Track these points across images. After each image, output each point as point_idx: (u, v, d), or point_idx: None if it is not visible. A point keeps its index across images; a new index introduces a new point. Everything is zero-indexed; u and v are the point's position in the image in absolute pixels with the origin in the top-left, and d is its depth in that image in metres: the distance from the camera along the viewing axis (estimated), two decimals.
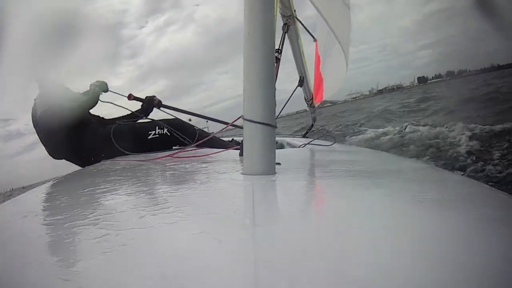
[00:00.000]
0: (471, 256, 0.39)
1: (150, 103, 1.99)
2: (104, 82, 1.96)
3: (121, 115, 2.06)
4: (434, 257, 0.38)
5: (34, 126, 1.89)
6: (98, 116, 2.05)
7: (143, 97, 2.01)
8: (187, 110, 2.18)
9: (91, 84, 1.91)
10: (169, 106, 2.09)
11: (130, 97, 1.94)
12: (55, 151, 1.90)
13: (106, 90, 1.96)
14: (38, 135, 1.89)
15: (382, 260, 0.37)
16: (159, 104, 2.01)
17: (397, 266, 0.36)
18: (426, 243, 0.42)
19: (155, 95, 2.03)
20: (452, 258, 0.38)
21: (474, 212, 0.60)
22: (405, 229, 0.48)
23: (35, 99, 1.88)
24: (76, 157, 1.83)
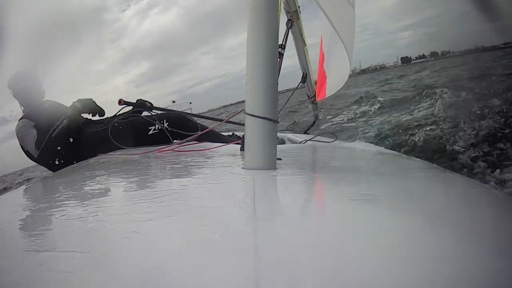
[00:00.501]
0: (471, 255, 0.39)
1: (141, 107, 1.98)
2: (90, 100, 1.91)
3: (113, 115, 2.02)
4: (435, 256, 0.38)
5: (23, 151, 1.90)
6: (89, 119, 2.04)
7: (134, 100, 1.98)
8: (181, 111, 2.18)
9: (73, 103, 1.88)
10: (162, 108, 2.08)
11: (121, 102, 1.90)
12: (54, 168, 1.91)
13: (101, 113, 1.92)
14: (30, 159, 1.91)
15: (383, 256, 0.37)
16: (151, 107, 1.99)
17: (397, 264, 0.36)
18: (427, 242, 0.42)
19: (146, 100, 2.02)
20: (453, 257, 0.38)
21: (475, 211, 0.60)
22: (406, 227, 0.48)
23: (17, 126, 1.88)
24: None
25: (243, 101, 0.85)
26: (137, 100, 1.98)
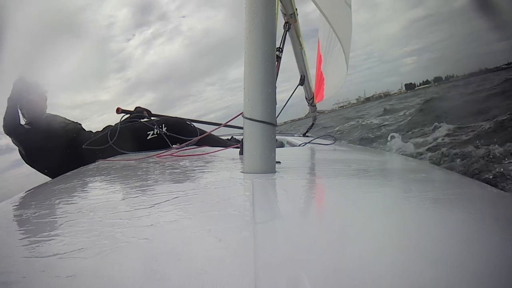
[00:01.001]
0: (471, 255, 0.39)
1: (141, 114, 1.98)
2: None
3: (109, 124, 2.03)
4: (435, 256, 0.38)
5: (21, 156, 1.92)
6: (90, 131, 2.07)
7: (132, 109, 2.00)
8: (179, 117, 2.18)
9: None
10: (160, 115, 2.08)
11: (118, 110, 1.91)
12: (53, 173, 1.92)
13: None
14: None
15: (382, 258, 0.37)
16: (149, 114, 2.00)
17: (397, 264, 0.36)
18: (426, 242, 0.42)
19: (144, 108, 2.03)
20: (452, 257, 0.38)
21: (475, 212, 0.60)
22: (405, 228, 0.48)
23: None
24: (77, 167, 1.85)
25: None
26: (136, 108, 1.99)
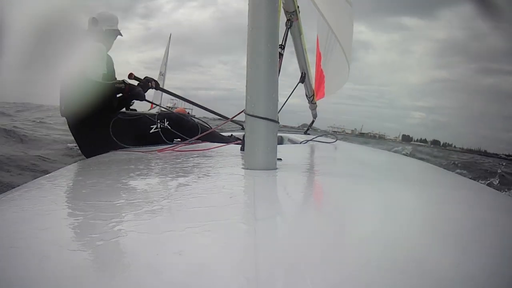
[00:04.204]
0: (473, 255, 0.39)
1: (146, 84, 2.01)
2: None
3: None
4: (434, 255, 0.38)
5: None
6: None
7: (142, 77, 2.02)
8: (183, 96, 2.28)
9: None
10: (166, 90, 2.17)
11: (131, 75, 1.96)
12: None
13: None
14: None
15: (381, 254, 0.38)
16: (156, 86, 2.04)
17: (396, 262, 0.36)
18: (426, 240, 0.43)
19: (153, 78, 2.06)
20: (452, 256, 0.38)
21: (475, 212, 0.60)
22: (405, 226, 0.48)
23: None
24: (82, 140, 1.87)
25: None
26: (145, 78, 2.01)
